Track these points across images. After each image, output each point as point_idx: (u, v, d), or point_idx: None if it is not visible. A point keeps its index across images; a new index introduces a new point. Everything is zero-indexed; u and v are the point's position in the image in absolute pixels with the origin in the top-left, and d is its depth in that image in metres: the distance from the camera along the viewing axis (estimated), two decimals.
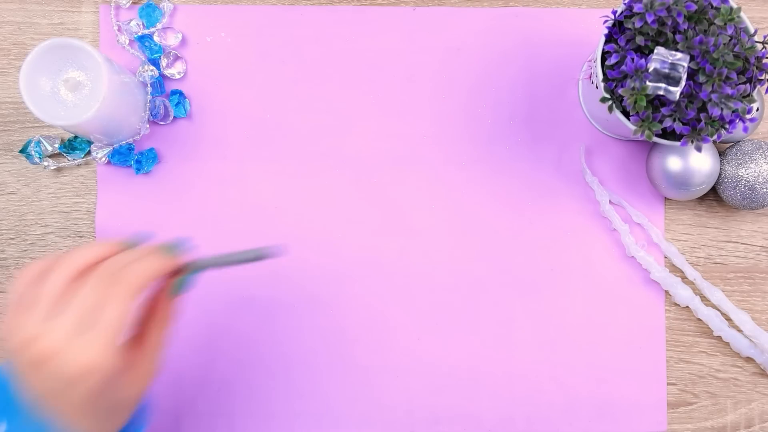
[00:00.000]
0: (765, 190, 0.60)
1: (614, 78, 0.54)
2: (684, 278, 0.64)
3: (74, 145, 0.63)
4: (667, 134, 0.55)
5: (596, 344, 0.63)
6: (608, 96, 0.54)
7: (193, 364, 0.63)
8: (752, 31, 0.54)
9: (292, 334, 0.63)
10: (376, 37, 0.65)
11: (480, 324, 0.63)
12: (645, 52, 0.53)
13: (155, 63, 0.64)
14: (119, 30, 0.64)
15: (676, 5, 0.51)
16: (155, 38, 0.64)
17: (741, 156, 0.60)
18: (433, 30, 0.65)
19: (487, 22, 0.65)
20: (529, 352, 0.63)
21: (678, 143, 0.54)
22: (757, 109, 0.61)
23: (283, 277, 0.63)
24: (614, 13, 0.54)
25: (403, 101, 0.65)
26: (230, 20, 0.65)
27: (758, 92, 0.61)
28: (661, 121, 0.53)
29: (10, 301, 0.41)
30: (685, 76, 0.51)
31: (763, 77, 0.54)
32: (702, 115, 0.52)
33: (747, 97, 0.53)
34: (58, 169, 0.64)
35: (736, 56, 0.52)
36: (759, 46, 0.54)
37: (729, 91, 0.51)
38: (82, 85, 0.57)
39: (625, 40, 0.54)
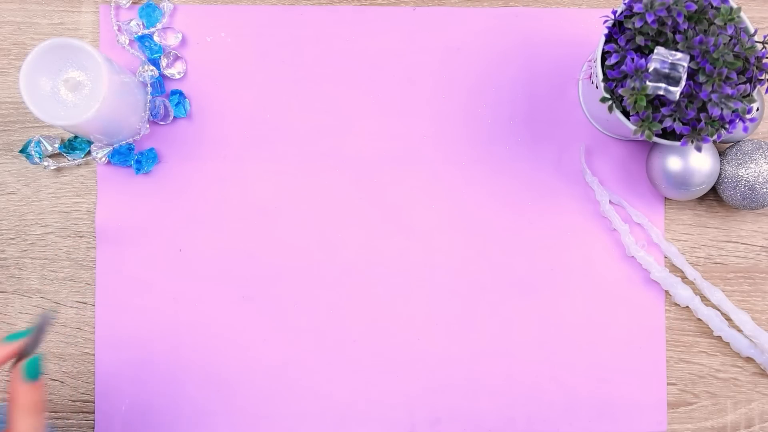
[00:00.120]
0: (765, 190, 0.60)
1: (614, 78, 0.54)
2: (684, 278, 0.64)
3: (74, 145, 0.63)
4: (667, 134, 0.55)
5: (596, 344, 0.63)
6: (608, 96, 0.54)
7: (193, 364, 0.63)
8: (752, 31, 0.54)
9: (291, 333, 0.63)
10: (376, 37, 0.65)
11: (480, 324, 0.63)
12: (645, 52, 0.53)
13: (155, 63, 0.64)
14: (119, 30, 0.64)
15: (676, 5, 0.51)
16: (155, 38, 0.64)
17: (741, 156, 0.60)
18: (433, 30, 0.65)
19: (487, 22, 0.65)
20: (529, 352, 0.63)
21: (678, 143, 0.54)
22: (757, 109, 0.61)
23: (283, 277, 0.63)
24: (614, 13, 0.54)
25: (402, 101, 0.65)
26: (230, 20, 0.65)
27: (758, 92, 0.61)
28: (661, 121, 0.53)
29: None
30: (685, 76, 0.51)
31: (763, 77, 0.54)
32: (702, 115, 0.52)
33: (747, 97, 0.53)
34: (58, 169, 0.64)
35: (736, 56, 0.52)
36: (759, 46, 0.54)
37: (729, 91, 0.51)
38: (82, 85, 0.57)
39: (625, 40, 0.54)
